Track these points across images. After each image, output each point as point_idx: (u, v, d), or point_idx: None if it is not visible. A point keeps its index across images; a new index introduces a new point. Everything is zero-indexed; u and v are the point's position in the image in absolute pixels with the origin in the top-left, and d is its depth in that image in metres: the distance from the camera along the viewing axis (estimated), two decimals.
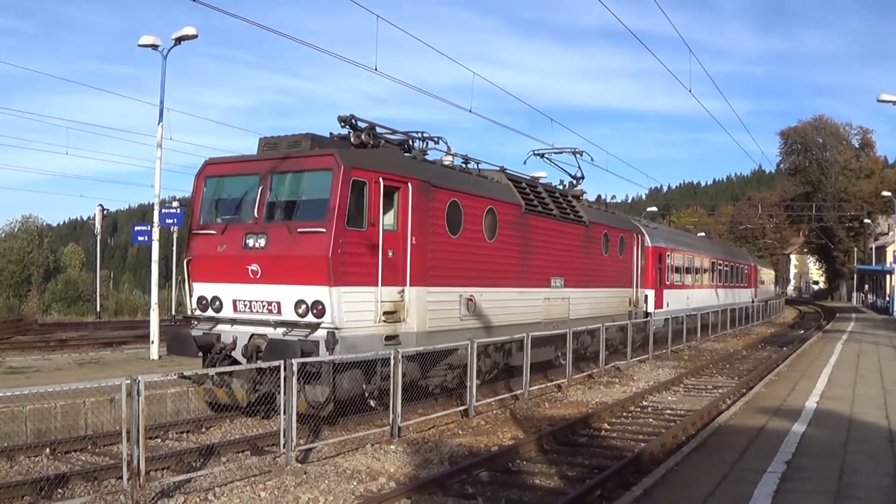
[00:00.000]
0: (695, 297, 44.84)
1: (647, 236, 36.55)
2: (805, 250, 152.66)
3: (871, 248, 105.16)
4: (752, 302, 63.43)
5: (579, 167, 33.67)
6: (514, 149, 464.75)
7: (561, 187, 29.64)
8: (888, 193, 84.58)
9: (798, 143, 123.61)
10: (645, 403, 21.57)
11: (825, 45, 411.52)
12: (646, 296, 35.81)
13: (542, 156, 31.00)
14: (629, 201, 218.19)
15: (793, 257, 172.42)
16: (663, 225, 54.72)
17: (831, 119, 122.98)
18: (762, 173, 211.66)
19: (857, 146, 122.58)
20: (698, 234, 78.66)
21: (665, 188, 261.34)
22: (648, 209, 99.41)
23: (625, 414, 19.97)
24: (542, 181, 29.17)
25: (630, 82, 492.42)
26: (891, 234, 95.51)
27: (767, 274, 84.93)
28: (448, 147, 22.03)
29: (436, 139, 21.42)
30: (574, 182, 31.31)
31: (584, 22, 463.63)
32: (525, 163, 31.46)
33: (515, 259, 23.23)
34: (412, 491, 12.00)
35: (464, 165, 22.93)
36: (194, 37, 29.81)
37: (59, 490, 11.89)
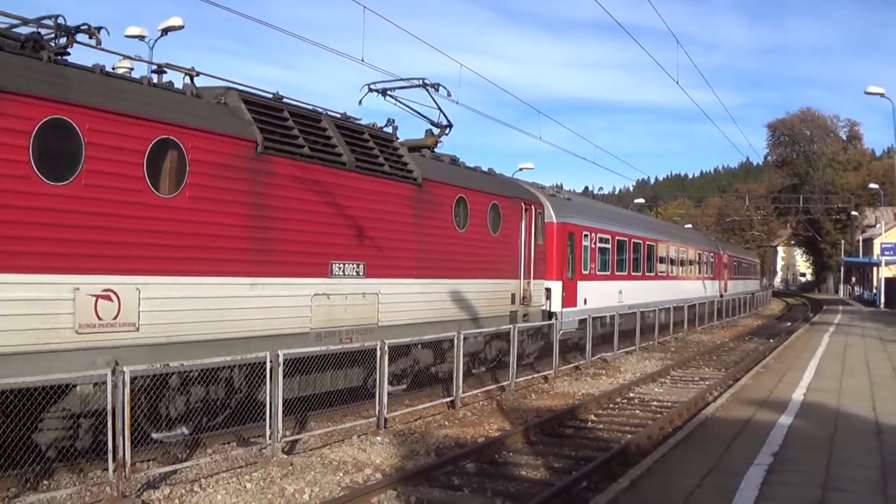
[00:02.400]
0: (631, 291, 35.41)
1: (550, 209, 27.48)
2: (792, 242, 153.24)
3: (859, 241, 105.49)
4: (721, 296, 54.96)
5: (440, 110, 22.59)
6: (502, 141, 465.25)
7: (388, 130, 20.23)
8: (875, 186, 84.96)
9: (785, 136, 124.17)
10: (631, 395, 21.59)
11: (815, 37, 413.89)
12: (547, 290, 26.83)
13: (383, 93, 21.74)
14: (616, 193, 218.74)
15: (780, 249, 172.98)
16: (586, 198, 42.11)
17: (819, 111, 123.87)
18: (750, 165, 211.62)
19: (844, 138, 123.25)
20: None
21: (652, 180, 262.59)
22: (636, 201, 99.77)
23: (611, 405, 19.98)
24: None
25: (619, 74, 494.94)
26: (878, 226, 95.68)
27: (747, 265, 76.60)
28: (98, 40, 13.29)
29: (92, 31, 13.25)
30: (435, 130, 22.58)
31: (573, 13, 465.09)
32: (360, 102, 22.33)
33: (238, 229, 14.45)
34: (398, 482, 11.98)
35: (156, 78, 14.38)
36: (181, 27, 29.75)
37: (45, 482, 11.82)
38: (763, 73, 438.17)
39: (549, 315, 26.70)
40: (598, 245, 31.77)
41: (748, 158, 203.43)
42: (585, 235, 30.31)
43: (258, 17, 16.79)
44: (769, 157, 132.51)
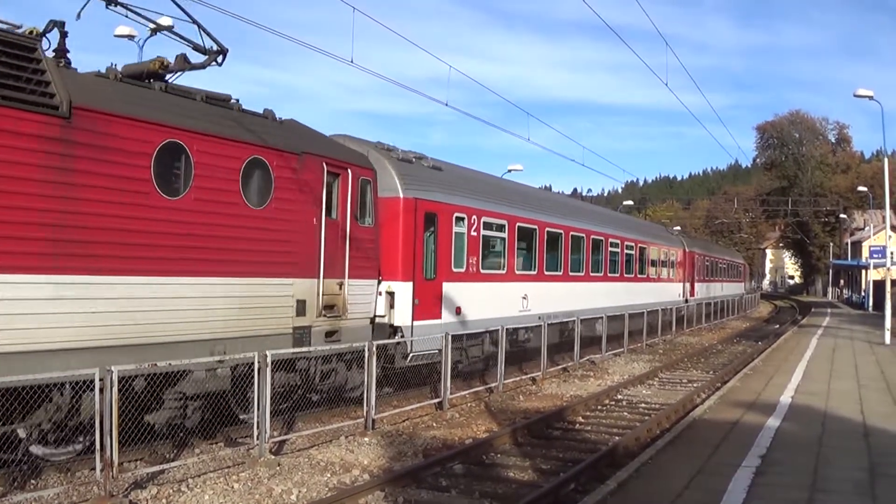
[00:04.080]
0: (543, 297, 26.46)
1: (394, 178, 19.45)
2: (781, 245, 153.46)
3: (847, 244, 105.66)
4: (686, 302, 47.16)
5: (199, 27, 15.27)
6: (492, 142, 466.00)
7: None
8: (864, 188, 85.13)
9: (774, 138, 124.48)
10: (619, 397, 21.58)
11: (804, 39, 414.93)
12: (388, 294, 19.04)
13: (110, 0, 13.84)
14: (605, 195, 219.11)
15: (768, 252, 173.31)
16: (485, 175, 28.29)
17: (808, 114, 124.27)
18: (738, 168, 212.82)
19: (833, 141, 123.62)
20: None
21: (641, 182, 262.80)
22: (624, 202, 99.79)
23: (599, 407, 19.97)
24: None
25: (608, 75, 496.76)
26: (866, 229, 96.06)
27: (726, 265, 66.98)
28: None
29: None
30: (190, 56, 15.38)
31: (562, 14, 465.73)
32: (79, 16, 13.64)
33: None
34: (386, 483, 11.97)
35: None
36: (170, 27, 29.69)
37: (32, 481, 11.78)
38: (752, 75, 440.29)
39: (392, 329, 19.24)
40: (485, 233, 23.04)
41: (737, 161, 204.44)
42: (460, 219, 21.79)
43: (247, 17, 16.56)
44: (758, 160, 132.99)
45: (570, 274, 29.41)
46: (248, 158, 14.99)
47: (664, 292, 42.97)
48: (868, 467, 11.61)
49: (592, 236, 31.79)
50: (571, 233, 29.56)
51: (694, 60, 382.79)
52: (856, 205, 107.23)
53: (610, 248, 33.97)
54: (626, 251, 36.28)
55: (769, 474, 11.08)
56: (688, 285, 48.84)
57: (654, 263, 41.86)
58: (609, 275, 33.81)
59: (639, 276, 38.66)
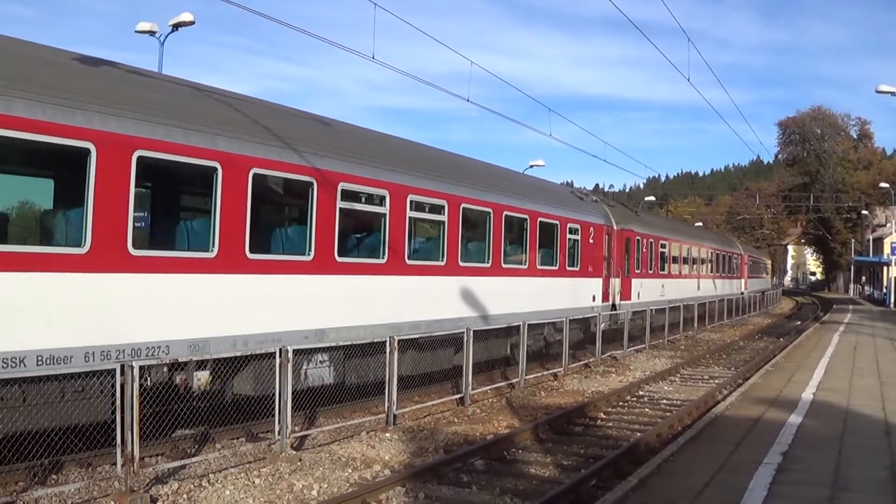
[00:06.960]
0: (154, 302, 12.26)
1: None
2: (802, 241, 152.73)
3: (869, 240, 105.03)
4: (614, 309, 31.10)
5: None
6: (513, 138, 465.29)
7: None
8: (886, 185, 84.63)
9: (796, 134, 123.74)
10: (641, 393, 21.53)
11: (827, 36, 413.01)
12: None
13: None
14: (627, 191, 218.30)
15: (790, 248, 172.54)
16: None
17: (830, 110, 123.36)
18: (760, 164, 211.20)
19: (855, 137, 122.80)
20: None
21: (663, 178, 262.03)
22: (646, 199, 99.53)
23: (621, 403, 19.93)
24: None
25: (630, 71, 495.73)
26: (888, 225, 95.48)
27: (712, 255, 50.90)
28: None
29: None
30: None
31: (584, 10, 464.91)
32: None
33: None
34: (407, 479, 11.97)
35: None
36: (191, 23, 29.77)
37: (53, 476, 11.83)
38: (774, 71, 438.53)
39: None
40: None
41: (759, 156, 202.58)
42: None
43: (269, 14, 16.52)
44: (780, 156, 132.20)
45: (252, 257, 14.11)
46: None
47: (547, 294, 25.29)
48: (890, 465, 11.53)
49: (343, 185, 16.25)
50: (255, 170, 14.12)
51: (717, 56, 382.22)
52: (878, 201, 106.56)
53: (411, 214, 18.56)
54: (457, 218, 20.26)
55: (791, 472, 11.01)
56: (616, 282, 32.21)
57: (516, 244, 23.94)
58: (410, 263, 18.61)
59: (483, 265, 21.72)
